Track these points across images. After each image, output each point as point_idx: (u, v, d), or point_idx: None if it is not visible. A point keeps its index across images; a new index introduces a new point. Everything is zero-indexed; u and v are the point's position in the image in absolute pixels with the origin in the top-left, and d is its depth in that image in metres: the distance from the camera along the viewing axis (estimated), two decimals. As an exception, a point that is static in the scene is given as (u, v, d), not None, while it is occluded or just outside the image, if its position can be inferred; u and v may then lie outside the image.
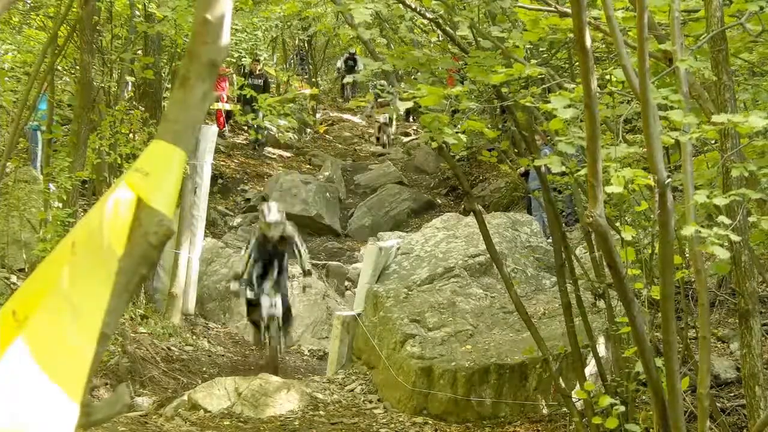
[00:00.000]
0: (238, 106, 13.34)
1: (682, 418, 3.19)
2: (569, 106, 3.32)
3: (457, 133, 4.24)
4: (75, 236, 1.64)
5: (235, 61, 15.28)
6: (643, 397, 5.16)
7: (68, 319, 1.51)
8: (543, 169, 5.10)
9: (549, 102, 3.42)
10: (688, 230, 2.91)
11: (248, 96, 11.66)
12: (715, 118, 3.11)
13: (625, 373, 4.69)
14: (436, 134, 4.23)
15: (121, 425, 6.51)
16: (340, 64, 19.86)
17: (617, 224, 4.41)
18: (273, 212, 8.46)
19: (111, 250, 1.44)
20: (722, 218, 3.01)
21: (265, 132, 15.50)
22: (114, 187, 1.55)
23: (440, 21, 5.24)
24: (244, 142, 16.47)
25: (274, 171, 15.58)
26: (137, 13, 9.83)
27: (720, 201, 3.06)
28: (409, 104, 4.12)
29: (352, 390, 7.82)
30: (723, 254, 2.92)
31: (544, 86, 4.30)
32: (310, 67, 20.67)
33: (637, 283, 4.06)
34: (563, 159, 3.55)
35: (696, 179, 3.64)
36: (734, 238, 2.95)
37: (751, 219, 3.44)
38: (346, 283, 11.07)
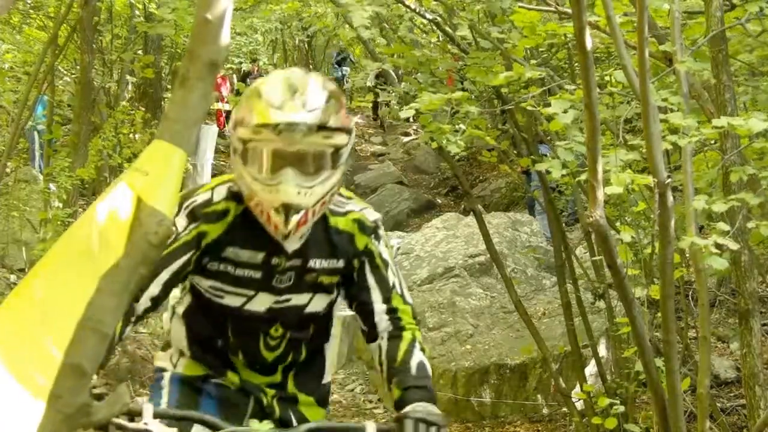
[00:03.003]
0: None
1: (682, 418, 3.19)
2: (570, 107, 3.32)
3: (456, 132, 4.24)
4: (63, 238, 1.64)
5: (235, 66, 15.30)
6: (643, 397, 5.16)
7: (37, 320, 1.51)
8: (543, 169, 5.09)
9: (549, 104, 3.42)
10: (686, 242, 2.90)
11: None
12: (715, 121, 3.11)
13: (625, 374, 4.69)
14: (436, 134, 4.23)
15: (121, 425, 6.50)
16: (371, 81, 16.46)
17: (617, 224, 4.40)
18: (314, 96, 2.12)
19: (105, 251, 1.44)
20: (721, 224, 3.01)
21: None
22: (112, 187, 1.55)
23: (440, 21, 5.24)
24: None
25: (274, 171, 15.57)
26: (137, 13, 9.82)
27: (719, 207, 3.06)
28: (411, 112, 4.11)
29: (352, 390, 7.82)
30: (722, 265, 2.92)
31: (544, 88, 4.30)
32: (347, 72, 19.76)
33: (637, 284, 4.06)
34: (563, 161, 3.54)
35: (696, 180, 3.64)
36: (733, 246, 2.95)
37: (750, 224, 3.43)
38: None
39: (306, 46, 20.93)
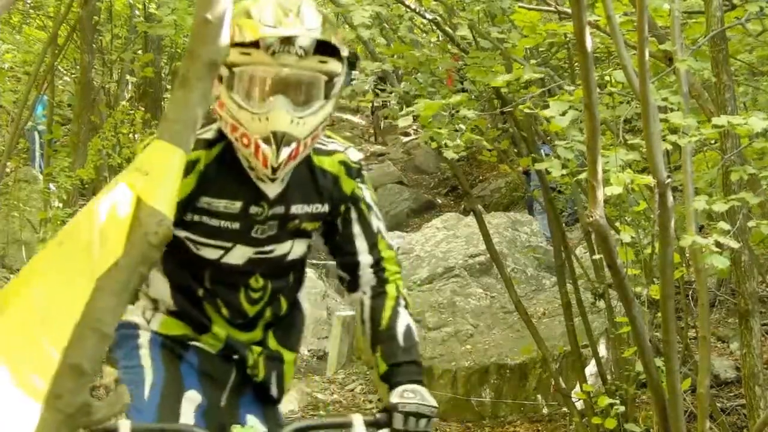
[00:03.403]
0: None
1: (682, 418, 3.19)
2: (569, 108, 3.32)
3: (456, 131, 4.23)
4: (61, 236, 1.64)
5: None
6: (643, 397, 5.16)
7: (37, 321, 1.50)
8: (543, 169, 5.09)
9: (548, 106, 3.42)
10: (687, 241, 2.91)
11: None
12: (715, 120, 3.11)
13: (625, 375, 4.69)
14: (436, 134, 4.23)
15: (121, 425, 6.50)
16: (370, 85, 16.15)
17: (617, 224, 4.40)
18: (309, 16, 1.99)
19: (104, 251, 1.43)
20: (722, 224, 3.01)
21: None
22: (109, 188, 1.55)
23: (440, 21, 5.24)
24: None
25: (274, 171, 15.58)
26: (137, 13, 9.82)
27: (719, 207, 3.06)
28: (409, 120, 4.10)
29: (352, 390, 7.82)
30: (723, 263, 2.92)
31: (544, 89, 4.30)
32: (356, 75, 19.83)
33: (637, 284, 4.06)
34: (563, 161, 3.54)
35: (696, 180, 3.64)
36: (734, 245, 2.95)
37: (750, 223, 3.43)
38: (347, 283, 11.03)
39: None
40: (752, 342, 3.72)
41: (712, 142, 3.80)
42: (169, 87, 11.08)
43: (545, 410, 6.61)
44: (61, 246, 1.57)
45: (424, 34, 7.40)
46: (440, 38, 6.72)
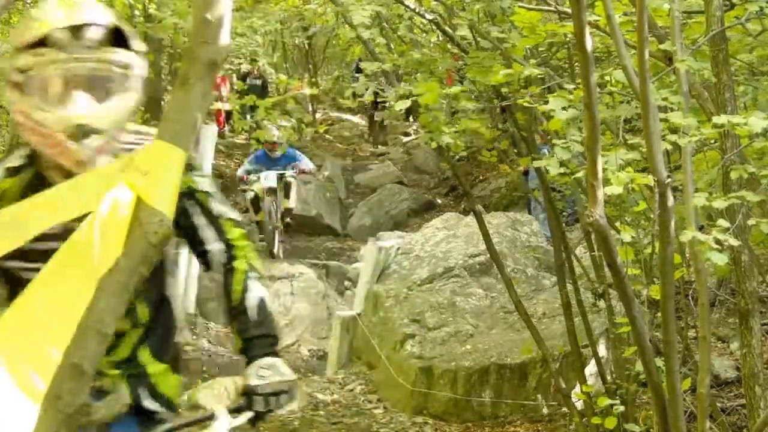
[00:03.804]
0: (237, 107, 13.35)
1: (682, 417, 3.19)
2: (568, 107, 3.32)
3: (455, 132, 4.23)
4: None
5: (235, 68, 15.33)
6: (643, 397, 5.16)
7: (41, 324, 1.51)
8: (543, 168, 5.09)
9: (548, 103, 3.42)
10: (687, 236, 2.91)
11: (248, 105, 11.64)
12: (715, 119, 3.11)
13: (625, 375, 4.69)
14: (436, 134, 4.22)
15: (121, 425, 6.49)
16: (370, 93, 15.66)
17: (617, 224, 4.40)
18: (95, 8, 2.10)
19: (105, 251, 1.43)
20: (721, 221, 3.01)
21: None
22: (110, 188, 1.55)
23: (440, 21, 5.24)
24: (244, 141, 16.47)
25: (274, 171, 15.57)
26: (137, 13, 9.82)
27: (719, 204, 3.06)
28: (407, 103, 4.11)
29: (352, 390, 7.82)
30: (721, 260, 2.92)
31: (544, 86, 4.30)
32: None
33: (637, 284, 4.06)
34: (560, 159, 3.54)
35: (696, 180, 3.64)
36: (733, 242, 2.95)
37: (750, 222, 3.43)
38: (346, 283, 11.06)
39: (306, 46, 20.95)
40: (752, 342, 3.72)
41: (712, 141, 3.80)
42: (169, 88, 11.09)
43: (545, 410, 6.61)
44: (63, 249, 1.58)
45: (424, 34, 7.40)
46: (440, 38, 6.72)
